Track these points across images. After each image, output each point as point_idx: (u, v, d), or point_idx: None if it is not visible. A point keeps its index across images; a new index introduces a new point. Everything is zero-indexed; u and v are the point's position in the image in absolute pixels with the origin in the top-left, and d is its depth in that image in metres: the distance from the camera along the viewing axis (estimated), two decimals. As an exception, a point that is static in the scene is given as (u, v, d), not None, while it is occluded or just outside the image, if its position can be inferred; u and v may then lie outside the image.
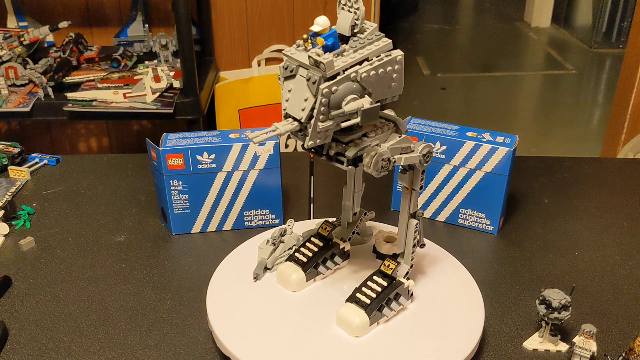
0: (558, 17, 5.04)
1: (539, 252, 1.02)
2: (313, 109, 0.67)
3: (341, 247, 0.87)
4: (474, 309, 0.81)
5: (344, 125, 0.67)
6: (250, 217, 1.06)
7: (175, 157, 0.99)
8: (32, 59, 1.94)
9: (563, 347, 0.81)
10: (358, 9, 0.69)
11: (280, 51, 2.35)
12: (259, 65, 2.37)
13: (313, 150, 0.73)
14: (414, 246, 0.81)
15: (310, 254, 0.86)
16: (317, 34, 0.68)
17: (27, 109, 1.80)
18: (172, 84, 1.90)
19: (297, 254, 0.86)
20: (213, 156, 1.00)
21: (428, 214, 1.10)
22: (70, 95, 1.85)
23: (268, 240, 0.89)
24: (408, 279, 0.80)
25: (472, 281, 0.86)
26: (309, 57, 0.67)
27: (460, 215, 1.07)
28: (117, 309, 0.88)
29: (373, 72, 0.68)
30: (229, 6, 2.28)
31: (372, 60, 0.69)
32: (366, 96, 0.68)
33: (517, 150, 1.01)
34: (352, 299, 0.78)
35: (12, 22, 2.17)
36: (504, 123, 3.46)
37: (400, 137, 0.73)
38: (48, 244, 1.03)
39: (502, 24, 5.29)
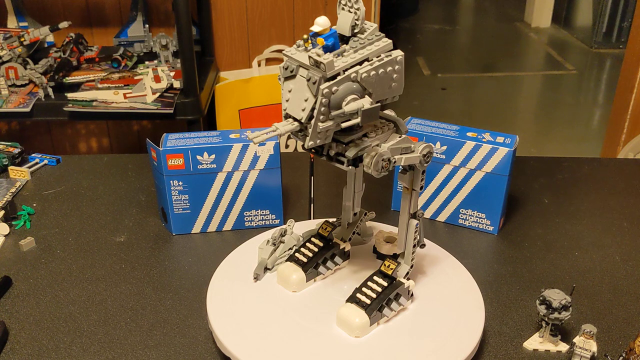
0: (558, 17, 5.04)
1: (539, 252, 1.02)
2: (313, 109, 0.67)
3: (341, 247, 0.87)
4: (474, 309, 0.81)
5: (344, 125, 0.68)
6: (250, 217, 1.06)
7: (175, 157, 0.99)
8: (32, 59, 1.94)
9: (563, 347, 0.81)
10: (358, 9, 0.69)
11: (280, 51, 2.35)
12: (259, 65, 2.37)
13: (313, 150, 0.73)
14: (414, 246, 0.81)
15: (310, 254, 0.86)
16: (317, 34, 0.68)
17: (27, 109, 1.80)
18: (172, 84, 1.90)
19: (297, 254, 0.86)
20: (213, 156, 1.00)
21: (428, 214, 1.10)
22: (70, 95, 1.84)
23: (268, 240, 0.89)
24: (408, 279, 0.80)
25: (472, 281, 0.86)
26: (309, 57, 0.67)
27: (460, 215, 1.07)
28: (117, 309, 0.88)
29: (373, 72, 0.68)
30: (229, 6, 2.28)
31: (372, 60, 0.69)
32: (366, 96, 0.68)
33: (517, 150, 1.01)
34: (352, 299, 0.78)
35: (12, 22, 2.17)
36: (504, 123, 3.46)
37: (400, 137, 0.73)
38: (48, 244, 1.03)
39: (502, 24, 5.29)
